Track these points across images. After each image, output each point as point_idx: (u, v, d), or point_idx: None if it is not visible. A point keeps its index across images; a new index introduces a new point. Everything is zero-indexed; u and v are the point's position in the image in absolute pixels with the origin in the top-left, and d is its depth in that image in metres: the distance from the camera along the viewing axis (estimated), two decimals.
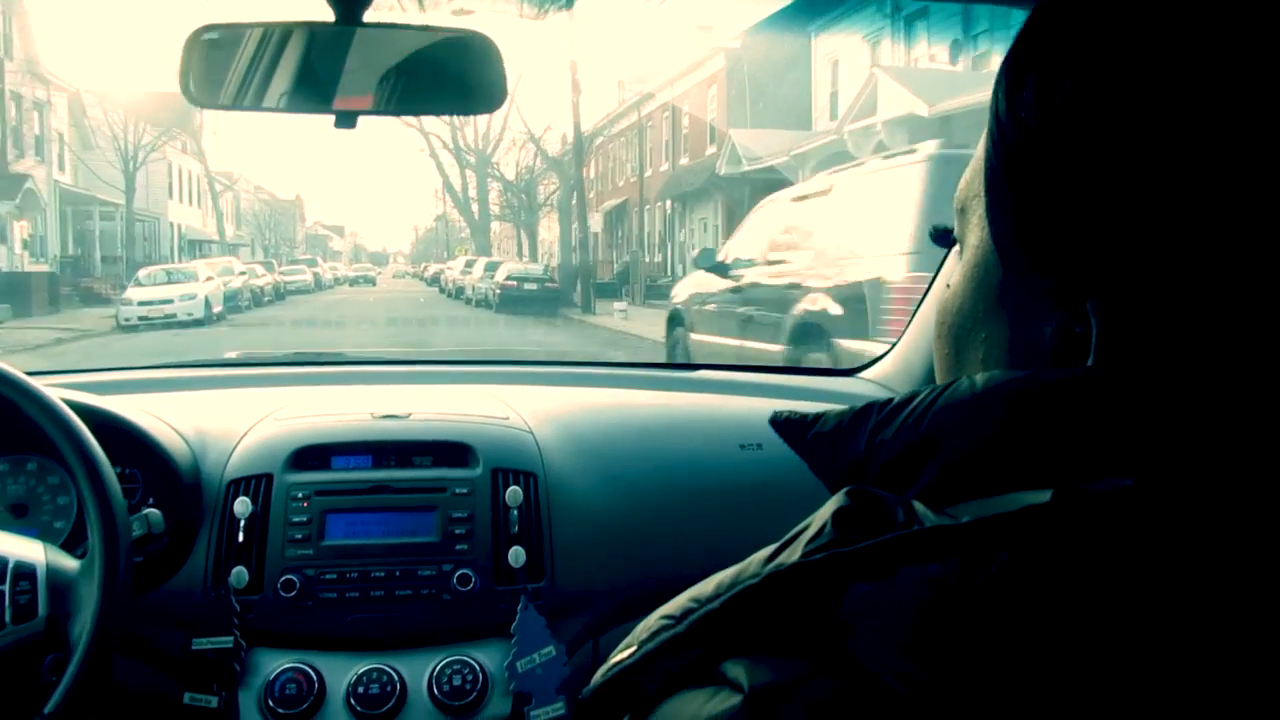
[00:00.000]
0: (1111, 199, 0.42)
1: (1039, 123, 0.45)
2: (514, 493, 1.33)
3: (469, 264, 27.88)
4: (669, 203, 27.17)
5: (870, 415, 0.48)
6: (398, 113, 1.02)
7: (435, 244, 57.45)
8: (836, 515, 0.44)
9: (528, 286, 21.38)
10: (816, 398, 1.75)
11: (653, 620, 0.48)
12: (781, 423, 0.53)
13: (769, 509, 1.51)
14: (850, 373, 1.89)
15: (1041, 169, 0.45)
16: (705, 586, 0.46)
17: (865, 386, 1.78)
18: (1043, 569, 0.39)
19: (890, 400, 0.48)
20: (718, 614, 0.44)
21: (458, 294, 26.92)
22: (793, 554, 0.44)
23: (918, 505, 0.44)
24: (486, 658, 1.27)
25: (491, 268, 24.44)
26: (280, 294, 26.46)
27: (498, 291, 21.45)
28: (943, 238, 0.55)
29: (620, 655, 0.48)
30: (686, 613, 0.45)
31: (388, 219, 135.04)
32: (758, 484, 1.50)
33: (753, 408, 1.69)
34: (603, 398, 1.68)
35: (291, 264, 36.06)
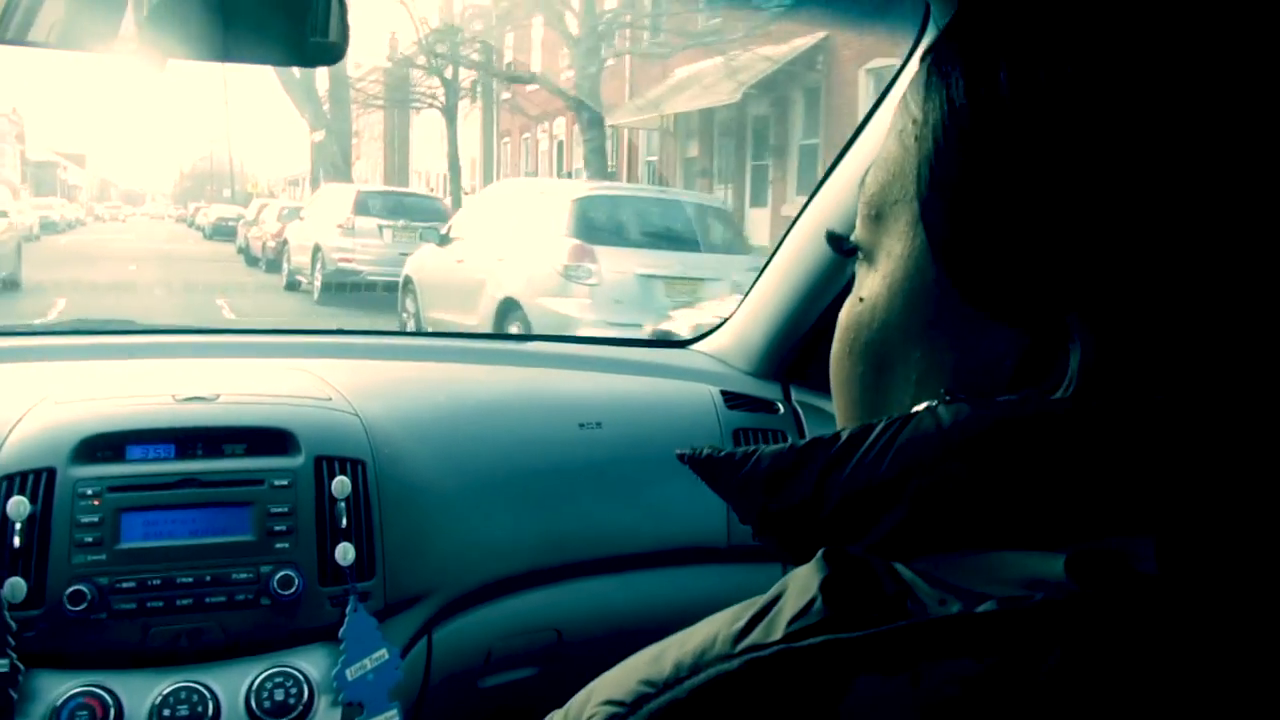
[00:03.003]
0: (1098, 196, 0.37)
1: (1014, 114, 0.39)
2: (340, 483, 1.21)
3: (425, 209, 11.17)
4: None
5: (817, 453, 0.42)
6: (214, 58, 0.87)
7: (211, 180, 46.40)
8: (825, 587, 0.38)
9: None
10: (651, 371, 1.70)
11: (591, 706, 0.40)
12: (702, 461, 0.45)
13: (611, 490, 1.47)
14: (684, 344, 1.85)
15: (1010, 166, 0.39)
16: (659, 666, 0.39)
17: (700, 359, 1.75)
18: (1099, 667, 0.34)
19: (838, 437, 0.42)
20: (683, 705, 0.37)
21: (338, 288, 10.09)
22: (771, 632, 0.37)
23: (904, 571, 0.39)
24: (312, 666, 1.16)
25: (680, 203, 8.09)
26: None
27: None
28: (839, 243, 0.48)
29: None
30: (640, 699, 0.38)
31: (147, 157, 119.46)
32: (599, 464, 1.45)
33: (590, 384, 1.62)
34: (432, 374, 1.57)
35: None
